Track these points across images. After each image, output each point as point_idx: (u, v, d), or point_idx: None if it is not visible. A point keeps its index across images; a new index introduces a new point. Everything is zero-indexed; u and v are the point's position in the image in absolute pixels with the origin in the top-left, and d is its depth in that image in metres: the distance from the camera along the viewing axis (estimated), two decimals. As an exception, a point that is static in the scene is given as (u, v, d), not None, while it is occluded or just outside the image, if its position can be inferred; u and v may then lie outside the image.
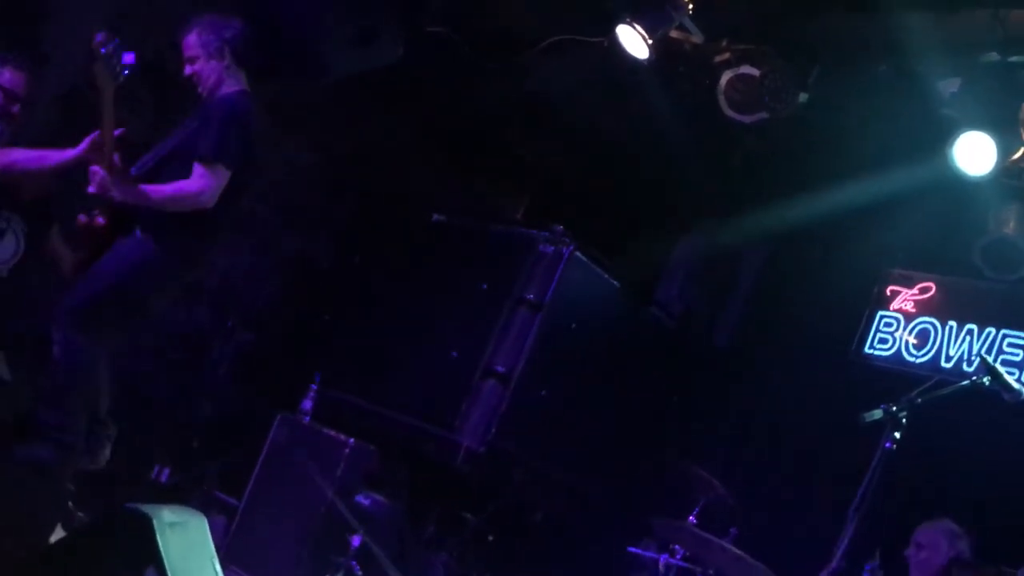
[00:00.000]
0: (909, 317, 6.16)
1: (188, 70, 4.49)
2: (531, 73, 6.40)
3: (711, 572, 5.02)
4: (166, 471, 5.78)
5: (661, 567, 5.09)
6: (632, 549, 5.68)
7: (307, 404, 6.08)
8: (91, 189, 4.11)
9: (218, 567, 3.49)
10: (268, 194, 7.00)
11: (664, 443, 6.62)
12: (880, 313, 6.27)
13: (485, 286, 6.07)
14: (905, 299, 6.22)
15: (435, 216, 6.61)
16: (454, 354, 5.91)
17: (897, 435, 3.67)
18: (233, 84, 4.50)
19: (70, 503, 4.11)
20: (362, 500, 5.59)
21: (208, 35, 4.45)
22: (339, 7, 5.53)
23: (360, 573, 5.35)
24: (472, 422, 5.67)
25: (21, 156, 4.41)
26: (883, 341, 6.20)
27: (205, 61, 4.46)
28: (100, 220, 4.35)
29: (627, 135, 6.80)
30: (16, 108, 4.58)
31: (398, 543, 5.86)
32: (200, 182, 4.20)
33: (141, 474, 5.70)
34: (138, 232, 4.31)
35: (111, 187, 4.09)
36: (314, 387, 6.11)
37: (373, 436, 5.93)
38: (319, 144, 7.23)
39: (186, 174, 4.23)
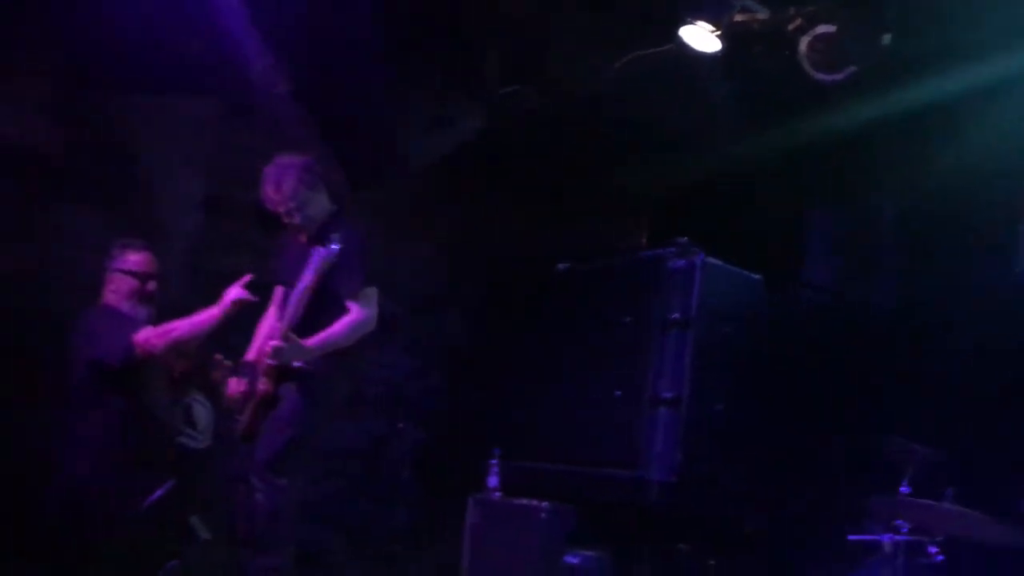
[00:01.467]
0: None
1: (290, 220, 4.74)
2: (608, 103, 6.42)
3: (939, 539, 4.77)
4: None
5: (887, 547, 4.86)
6: (852, 537, 5.47)
7: (493, 480, 6.13)
8: (270, 361, 4.41)
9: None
10: (400, 294, 7.19)
11: (854, 421, 6.38)
12: (1036, 225, 5.92)
13: (628, 319, 6.02)
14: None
15: (560, 266, 6.62)
16: (618, 393, 5.87)
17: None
18: (326, 207, 4.72)
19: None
20: (571, 560, 5.57)
21: (291, 179, 4.70)
22: (404, 100, 5.67)
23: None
24: (656, 455, 5.59)
25: (179, 327, 4.65)
26: (1041, 254, 5.85)
27: (303, 204, 4.71)
28: (263, 387, 4.54)
29: (720, 130, 6.71)
30: (151, 286, 4.82)
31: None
32: (365, 310, 4.64)
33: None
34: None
35: (292, 355, 4.40)
36: (495, 462, 6.17)
37: (565, 495, 5.94)
38: (433, 232, 7.39)
39: (329, 310, 4.55)
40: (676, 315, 5.74)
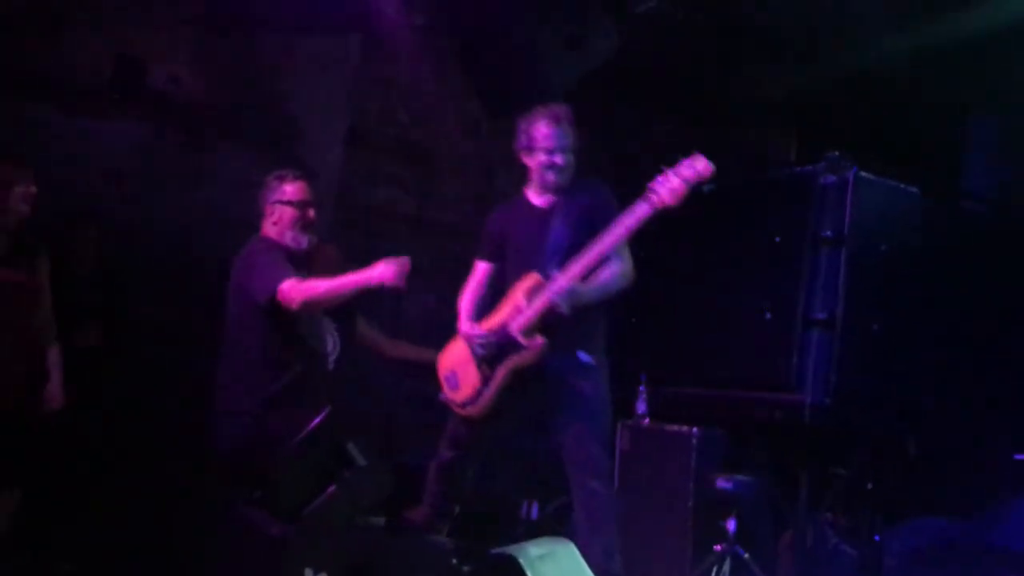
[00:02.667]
0: None
1: (562, 160, 4.59)
2: (749, 12, 6.18)
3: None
4: (535, 506, 5.97)
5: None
6: (1019, 456, 5.25)
7: (641, 407, 6.09)
8: (558, 307, 4.27)
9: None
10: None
11: (1021, 336, 6.08)
12: None
13: (778, 238, 5.83)
14: None
15: (705, 187, 6.45)
16: (768, 316, 5.72)
17: None
18: None
19: (453, 560, 4.31)
20: (724, 484, 5.52)
21: (571, 126, 4.60)
22: (539, 23, 5.57)
23: (747, 555, 5.29)
24: (809, 377, 5.44)
25: (320, 287, 4.59)
26: None
27: (571, 153, 4.61)
28: (526, 354, 4.44)
29: (869, 32, 6.38)
30: (311, 213, 4.88)
31: (775, 516, 5.74)
32: (627, 261, 4.62)
33: (512, 516, 5.92)
34: (581, 356, 4.58)
35: (579, 298, 4.34)
36: (642, 388, 6.13)
37: (716, 420, 5.87)
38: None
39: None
40: (828, 233, 5.53)
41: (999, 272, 6.13)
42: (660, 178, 4.33)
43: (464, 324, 4.69)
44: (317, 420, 4.28)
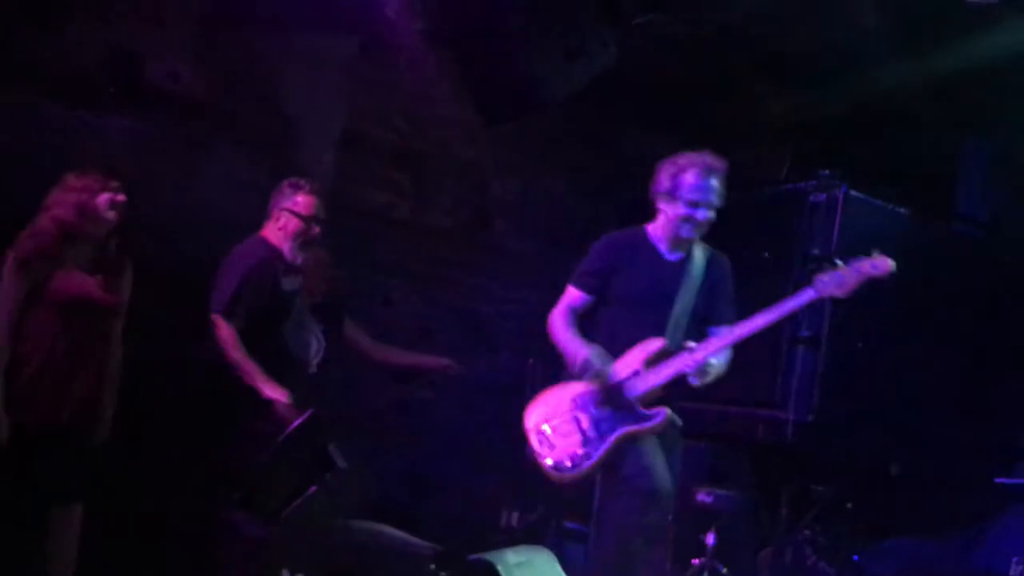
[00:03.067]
0: None
1: (704, 217, 4.30)
2: (747, 30, 6.20)
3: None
4: (515, 516, 5.98)
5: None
6: (1000, 480, 5.27)
7: (627, 419, 6.11)
8: (694, 381, 4.12)
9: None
10: (535, 230, 7.20)
11: (1007, 361, 6.10)
12: None
13: (767, 254, 5.87)
14: None
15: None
16: (756, 329, 5.74)
17: None
18: None
19: (432, 565, 4.33)
20: (705, 498, 5.54)
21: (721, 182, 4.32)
22: (538, 33, 5.59)
23: (725, 570, 5.31)
24: (793, 395, 5.49)
25: (232, 354, 4.51)
26: None
27: (714, 211, 4.33)
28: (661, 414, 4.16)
29: (867, 56, 6.41)
30: (316, 230, 4.91)
31: (754, 532, 5.77)
32: None
33: (492, 524, 5.94)
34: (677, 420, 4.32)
35: (707, 376, 4.17)
36: (629, 400, 6.15)
37: (700, 434, 5.89)
38: (569, 168, 7.37)
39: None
40: (816, 250, 5.57)
41: (986, 295, 6.15)
42: (833, 272, 4.14)
43: (577, 345, 4.23)
44: (298, 422, 4.30)
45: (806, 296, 4.13)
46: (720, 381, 5.89)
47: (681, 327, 4.19)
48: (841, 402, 5.49)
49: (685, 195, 4.21)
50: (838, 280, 4.08)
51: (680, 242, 4.31)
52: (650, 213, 7.00)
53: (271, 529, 3.99)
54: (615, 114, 7.25)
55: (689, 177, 4.21)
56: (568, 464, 4.11)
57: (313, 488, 4.16)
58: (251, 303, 4.57)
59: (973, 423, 5.99)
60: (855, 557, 5.60)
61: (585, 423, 4.12)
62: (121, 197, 4.42)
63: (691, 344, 4.12)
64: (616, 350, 4.19)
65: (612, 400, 4.11)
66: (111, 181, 4.43)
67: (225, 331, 4.48)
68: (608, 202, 7.31)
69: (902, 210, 5.86)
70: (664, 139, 7.43)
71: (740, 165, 7.50)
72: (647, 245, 4.36)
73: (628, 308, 4.27)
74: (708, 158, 4.24)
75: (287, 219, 4.83)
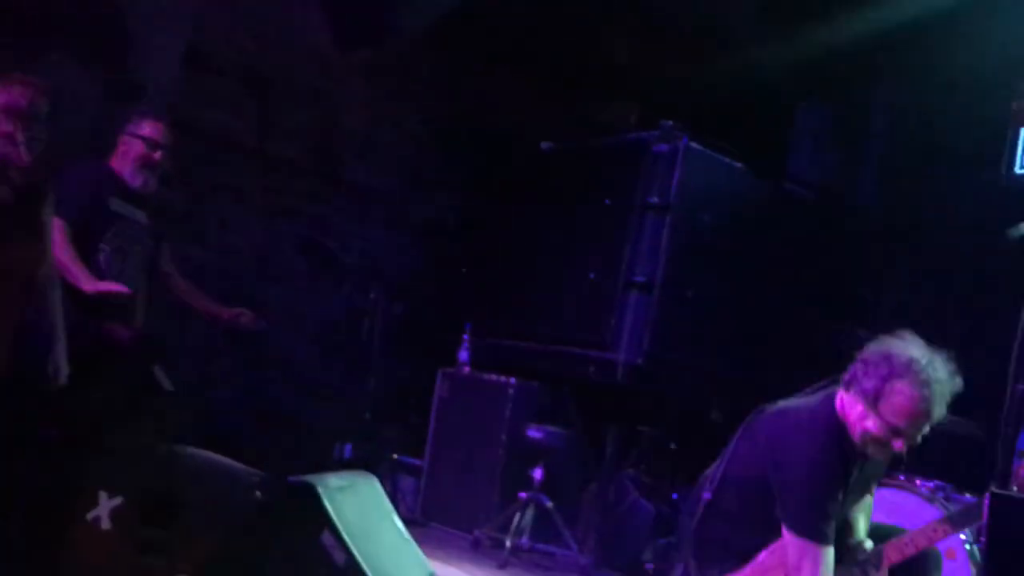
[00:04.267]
0: (1056, 127, 5.74)
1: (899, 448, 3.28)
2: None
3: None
4: (347, 447, 5.99)
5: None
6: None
7: (463, 355, 6.21)
8: None
9: (398, 522, 3.60)
10: (387, 165, 7.14)
11: (826, 315, 6.42)
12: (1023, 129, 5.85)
13: (608, 201, 6.00)
14: (1049, 109, 5.79)
15: (544, 145, 6.56)
16: (592, 275, 5.89)
17: (1053, 245, 3.45)
18: None
19: (257, 493, 4.29)
20: (534, 434, 5.67)
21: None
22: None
23: (550, 504, 5.46)
24: (624, 337, 5.65)
25: (64, 258, 4.29)
26: (1032, 158, 5.80)
27: None
28: None
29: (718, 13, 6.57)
30: (158, 155, 4.79)
31: (581, 468, 5.94)
32: None
33: (324, 456, 5.93)
34: None
35: None
36: (466, 337, 6.24)
37: (535, 372, 6.03)
38: (422, 104, 7.31)
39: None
40: (655, 199, 5.72)
41: (812, 253, 6.44)
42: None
43: None
44: (123, 338, 4.18)
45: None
46: (557, 322, 6.07)
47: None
48: (670, 347, 5.68)
49: (889, 416, 3.20)
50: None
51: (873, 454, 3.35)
52: (498, 155, 7.12)
53: (89, 450, 3.88)
54: (472, 53, 7.23)
55: (904, 392, 3.17)
56: None
57: (136, 410, 4.06)
58: (77, 211, 4.40)
59: (794, 373, 6.27)
60: (674, 495, 5.83)
61: None
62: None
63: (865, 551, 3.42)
64: None
65: None
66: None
67: (57, 233, 4.30)
68: (461, 141, 7.31)
69: (739, 165, 6.06)
70: (519, 80, 7.49)
71: (591, 111, 7.72)
72: (850, 445, 3.31)
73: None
74: (934, 370, 3.18)
75: (131, 143, 4.75)
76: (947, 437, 4.80)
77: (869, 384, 3.18)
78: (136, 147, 4.74)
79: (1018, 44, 5.87)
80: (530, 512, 5.47)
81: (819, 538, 3.14)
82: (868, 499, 3.60)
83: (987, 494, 2.58)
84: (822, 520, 3.16)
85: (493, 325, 6.40)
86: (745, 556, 3.31)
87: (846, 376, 3.27)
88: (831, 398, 3.33)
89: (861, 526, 3.51)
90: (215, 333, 6.01)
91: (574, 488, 5.88)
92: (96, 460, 3.74)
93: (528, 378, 5.96)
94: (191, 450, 4.10)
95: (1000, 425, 3.33)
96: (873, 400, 3.16)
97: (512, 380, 5.89)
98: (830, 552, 3.16)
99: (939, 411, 3.15)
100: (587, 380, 5.78)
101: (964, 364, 5.52)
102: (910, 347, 3.20)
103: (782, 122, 7.25)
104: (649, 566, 5.52)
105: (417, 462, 6.28)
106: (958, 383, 3.18)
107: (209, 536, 3.31)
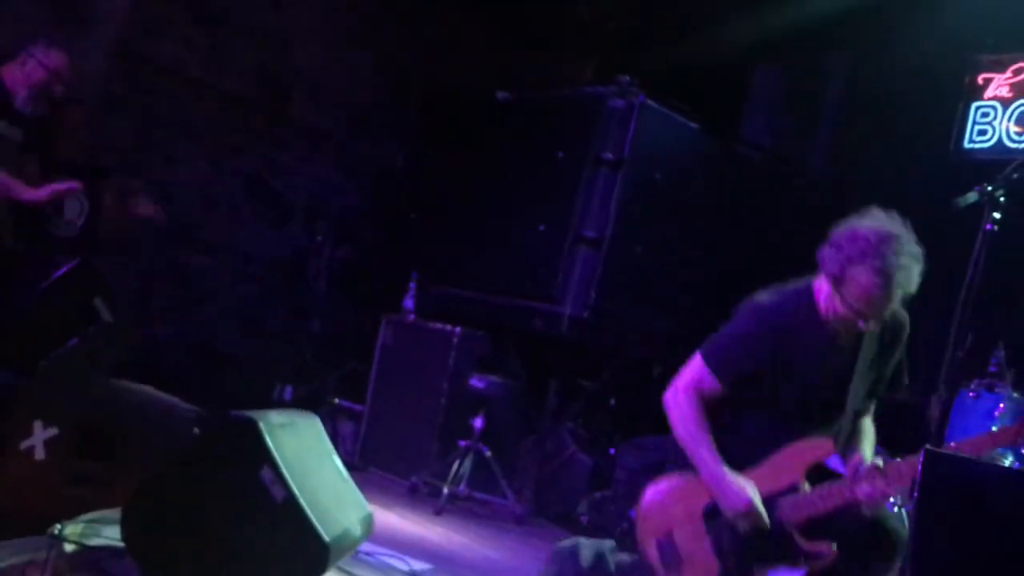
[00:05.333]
0: (1006, 103, 5.82)
1: (870, 327, 3.18)
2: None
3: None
4: (288, 389, 5.96)
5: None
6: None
7: (408, 303, 6.17)
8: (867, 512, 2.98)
9: (338, 462, 3.58)
10: (337, 106, 7.04)
11: (773, 278, 6.47)
12: (975, 104, 5.94)
13: (561, 154, 5.98)
14: (999, 84, 5.88)
15: (500, 94, 6.50)
16: (541, 228, 5.88)
17: (996, 215, 3.50)
18: None
19: (195, 428, 4.25)
20: (476, 383, 5.68)
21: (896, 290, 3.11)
22: None
23: (489, 454, 5.48)
24: (571, 290, 5.66)
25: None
26: (982, 132, 5.89)
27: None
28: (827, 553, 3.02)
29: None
30: (57, 90, 4.70)
31: (521, 419, 5.96)
32: None
33: (264, 396, 5.89)
34: None
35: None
36: (412, 285, 6.20)
37: (479, 322, 6.02)
38: (375, 46, 7.20)
39: None
40: (608, 155, 5.72)
41: (760, 215, 6.48)
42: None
43: (720, 474, 3.11)
44: (62, 270, 4.09)
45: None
46: (505, 273, 6.06)
47: (848, 427, 3.24)
48: (616, 302, 5.71)
49: (853, 301, 3.09)
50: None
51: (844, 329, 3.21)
52: (451, 101, 7.05)
53: (25, 379, 3.80)
54: (427, 8, 7.16)
55: (862, 279, 3.06)
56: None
57: (74, 340, 3.98)
58: None
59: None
60: (611, 450, 5.88)
61: (727, 545, 3.12)
62: None
63: (879, 464, 3.03)
64: (755, 452, 3.16)
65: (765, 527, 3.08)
66: None
67: None
68: (413, 85, 7.23)
69: (693, 125, 6.07)
70: (476, 28, 7.42)
71: (549, 65, 7.67)
72: (815, 325, 3.21)
73: (781, 406, 3.20)
74: (894, 258, 3.05)
75: (32, 67, 4.61)
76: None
77: (833, 267, 3.13)
78: (37, 74, 4.64)
79: (972, 20, 5.94)
80: (469, 461, 5.48)
81: (709, 361, 3.24)
82: (868, 421, 3.38)
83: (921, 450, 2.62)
84: (723, 353, 3.24)
85: (440, 273, 6.37)
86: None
87: (818, 257, 3.22)
88: (812, 280, 3.31)
89: (866, 447, 3.29)
90: (155, 268, 5.93)
91: (513, 439, 5.90)
92: (31, 389, 3.67)
93: (473, 328, 5.95)
94: (129, 384, 4.05)
95: (938, 389, 3.38)
96: (836, 284, 3.12)
97: (457, 329, 5.87)
98: (711, 379, 3.21)
99: (900, 292, 3.08)
100: (532, 332, 5.79)
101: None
102: (875, 226, 3.11)
103: (739, 85, 7.26)
104: (584, 518, 5.57)
105: (358, 407, 6.25)
106: (918, 264, 3.08)
107: (145, 470, 3.26)
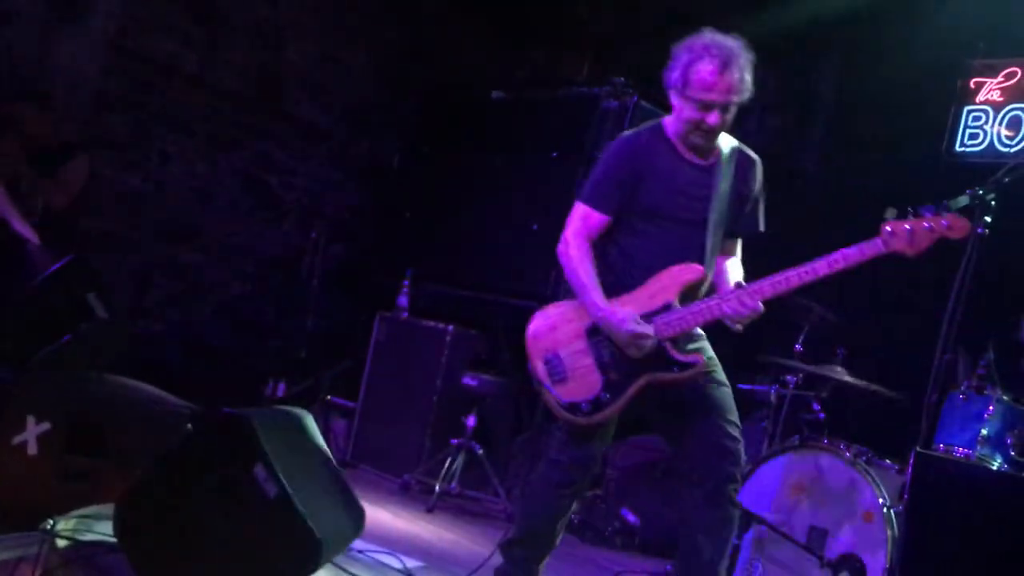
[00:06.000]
0: (997, 107, 5.85)
1: (718, 121, 3.38)
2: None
3: (823, 395, 4.97)
4: (281, 386, 5.96)
5: (773, 398, 5.05)
6: (741, 386, 5.64)
7: (403, 300, 6.19)
8: (734, 326, 3.35)
9: (331, 460, 3.60)
10: (332, 103, 7.05)
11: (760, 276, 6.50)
12: (967, 108, 5.96)
13: (555, 154, 6.00)
14: (991, 89, 5.90)
15: (495, 94, 6.52)
16: (535, 227, 5.89)
17: (988, 219, 3.52)
18: None
19: (188, 425, 4.25)
20: (469, 381, 5.69)
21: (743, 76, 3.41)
22: None
23: (481, 452, 5.50)
24: (564, 289, 5.66)
25: None
26: (973, 136, 5.91)
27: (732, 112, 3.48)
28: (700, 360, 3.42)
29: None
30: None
31: (514, 418, 5.98)
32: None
33: (257, 392, 5.90)
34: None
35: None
36: (406, 283, 6.22)
37: (473, 321, 6.03)
38: (372, 44, 7.21)
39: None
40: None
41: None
42: (905, 222, 3.33)
43: (607, 312, 3.43)
44: (57, 266, 4.10)
45: (872, 248, 3.37)
46: (498, 271, 6.08)
47: (716, 249, 3.50)
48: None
49: (696, 94, 3.34)
50: (907, 235, 3.31)
51: (697, 147, 3.47)
52: (445, 100, 7.06)
53: (19, 374, 3.81)
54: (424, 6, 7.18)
55: (701, 71, 3.32)
56: (585, 407, 3.47)
57: (68, 335, 3.99)
58: None
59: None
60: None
61: (607, 359, 3.45)
62: None
63: (741, 283, 3.40)
64: (634, 275, 3.47)
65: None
66: None
67: None
68: (408, 83, 7.23)
69: (688, 126, 6.07)
70: (471, 25, 7.43)
71: (543, 64, 7.69)
72: (668, 146, 3.50)
73: (649, 225, 3.48)
74: (722, 45, 3.35)
75: None
76: (870, 404, 4.94)
77: (675, 75, 3.41)
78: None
79: (965, 24, 5.96)
80: (461, 459, 5.50)
81: (589, 200, 3.56)
82: (734, 262, 3.67)
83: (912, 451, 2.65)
84: (595, 188, 3.56)
85: (434, 271, 6.39)
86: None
87: (664, 82, 3.49)
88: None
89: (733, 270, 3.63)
90: (149, 264, 5.93)
91: (506, 437, 5.92)
92: (24, 384, 3.68)
93: (466, 326, 5.96)
94: (123, 379, 4.05)
95: (926, 392, 3.40)
96: (682, 88, 3.38)
97: (450, 327, 5.90)
98: (594, 214, 3.54)
99: (740, 83, 3.36)
100: (525, 330, 5.79)
101: (895, 331, 5.67)
102: (708, 36, 3.41)
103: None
104: (575, 517, 5.59)
105: (350, 404, 6.27)
106: (751, 61, 3.40)
107: (138, 466, 3.28)
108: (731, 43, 3.37)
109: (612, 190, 3.51)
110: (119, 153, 5.84)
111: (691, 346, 3.48)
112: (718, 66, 3.31)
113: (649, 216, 3.48)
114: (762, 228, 3.71)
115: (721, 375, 3.54)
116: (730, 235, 3.62)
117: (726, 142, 3.56)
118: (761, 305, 3.32)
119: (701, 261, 3.44)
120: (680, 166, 3.48)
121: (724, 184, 3.49)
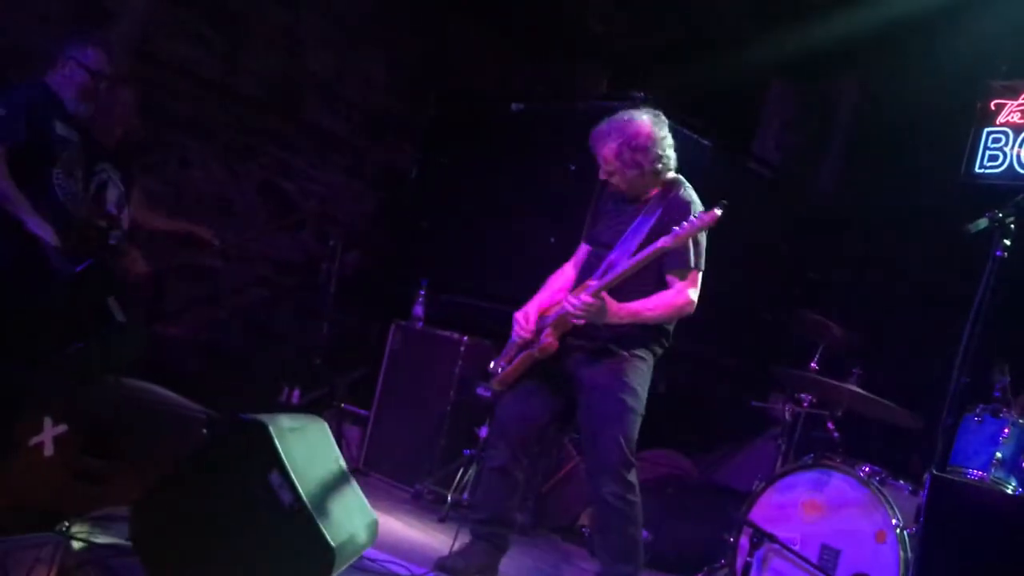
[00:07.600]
0: (1018, 129, 5.84)
1: (616, 181, 4.45)
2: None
3: (838, 414, 4.94)
4: (296, 392, 5.97)
5: (787, 416, 5.04)
6: (755, 403, 5.64)
7: (418, 310, 6.20)
8: (577, 321, 4.06)
9: (345, 468, 3.61)
10: (350, 111, 7.08)
11: (776, 295, 6.50)
12: (987, 130, 5.95)
13: (573, 167, 6.00)
14: (1011, 111, 5.89)
15: (514, 105, 6.52)
16: (552, 240, 5.89)
17: (1007, 242, 3.51)
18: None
19: (204, 430, 4.28)
20: (483, 392, 5.68)
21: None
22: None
23: (493, 463, 5.48)
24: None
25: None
26: (993, 158, 5.90)
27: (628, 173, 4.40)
28: (547, 340, 4.25)
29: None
30: (102, 87, 4.68)
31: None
32: (687, 291, 4.17)
33: (272, 399, 5.91)
34: (615, 350, 4.16)
35: (600, 316, 3.99)
36: (422, 293, 6.23)
37: (488, 331, 6.03)
38: (392, 54, 7.24)
39: (645, 282, 4.14)
40: (619, 169, 5.72)
41: (766, 234, 6.51)
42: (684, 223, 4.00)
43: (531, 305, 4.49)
44: (78, 268, 4.12)
45: (661, 243, 3.98)
46: (514, 282, 6.07)
47: (623, 266, 4.12)
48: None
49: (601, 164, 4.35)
50: (675, 233, 3.98)
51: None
52: (463, 110, 7.07)
53: (37, 375, 3.83)
54: (446, 3, 7.19)
55: (598, 149, 4.41)
56: (499, 373, 4.40)
57: (87, 339, 4.01)
58: (20, 135, 4.31)
59: (740, 348, 6.38)
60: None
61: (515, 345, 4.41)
62: None
63: (589, 282, 4.17)
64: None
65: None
66: None
67: None
68: (427, 90, 7.26)
69: (706, 142, 6.08)
70: (490, 37, 7.46)
71: (562, 77, 7.71)
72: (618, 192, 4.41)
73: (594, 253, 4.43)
74: (594, 130, 4.42)
75: (73, 69, 4.58)
76: (885, 425, 4.93)
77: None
78: (79, 75, 4.60)
79: (986, 46, 5.97)
80: (473, 469, 5.50)
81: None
82: None
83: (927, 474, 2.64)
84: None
85: (449, 281, 6.40)
86: None
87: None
88: None
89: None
90: (168, 269, 5.95)
91: (518, 448, 5.90)
92: (42, 386, 3.70)
93: (481, 337, 5.97)
94: (140, 383, 4.08)
95: (944, 415, 3.39)
96: None
97: (465, 338, 5.90)
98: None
99: (603, 152, 4.35)
100: (540, 342, 5.79)
101: (909, 355, 5.65)
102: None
103: (753, 103, 7.28)
104: (585, 530, 5.59)
105: (364, 412, 6.28)
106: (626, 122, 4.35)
107: (153, 470, 3.29)
108: (604, 124, 4.38)
109: (587, 224, 4.65)
110: (138, 157, 5.86)
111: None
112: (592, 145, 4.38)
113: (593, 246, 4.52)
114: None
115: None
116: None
117: (677, 186, 4.43)
118: (585, 299, 3.97)
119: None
120: (617, 203, 4.51)
121: (638, 226, 4.25)
